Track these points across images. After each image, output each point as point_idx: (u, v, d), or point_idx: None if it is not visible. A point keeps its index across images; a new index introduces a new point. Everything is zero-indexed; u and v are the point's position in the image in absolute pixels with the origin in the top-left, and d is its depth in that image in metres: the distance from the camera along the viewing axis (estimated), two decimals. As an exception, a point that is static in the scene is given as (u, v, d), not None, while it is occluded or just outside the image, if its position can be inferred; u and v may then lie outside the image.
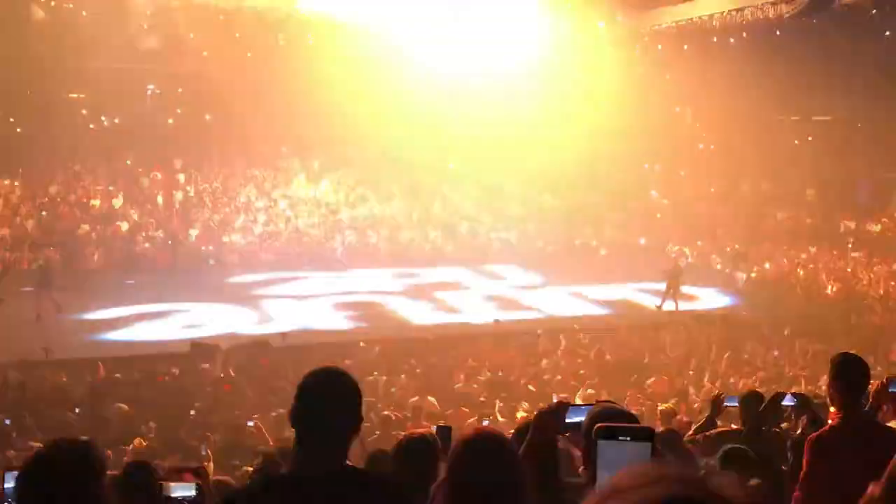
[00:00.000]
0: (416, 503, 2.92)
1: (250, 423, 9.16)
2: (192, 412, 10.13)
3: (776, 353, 15.31)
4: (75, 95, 30.47)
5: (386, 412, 9.57)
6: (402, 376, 12.47)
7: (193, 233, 26.51)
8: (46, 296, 18.57)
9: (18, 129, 28.61)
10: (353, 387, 2.60)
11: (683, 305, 20.93)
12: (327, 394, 2.56)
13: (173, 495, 3.51)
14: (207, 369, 13.40)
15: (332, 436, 2.54)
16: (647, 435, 1.75)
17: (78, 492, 2.52)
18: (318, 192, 30.55)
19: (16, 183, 27.18)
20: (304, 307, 20.38)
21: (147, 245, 25.61)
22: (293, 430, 2.60)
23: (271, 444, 8.23)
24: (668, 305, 20.66)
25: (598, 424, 1.78)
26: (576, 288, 23.11)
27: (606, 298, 21.85)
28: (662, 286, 21.32)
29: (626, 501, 0.98)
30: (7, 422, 9.33)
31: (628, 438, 1.72)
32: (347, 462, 2.61)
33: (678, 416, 8.12)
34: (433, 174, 31.13)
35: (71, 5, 28.38)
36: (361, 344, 15.82)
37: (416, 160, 31.49)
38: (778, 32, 28.34)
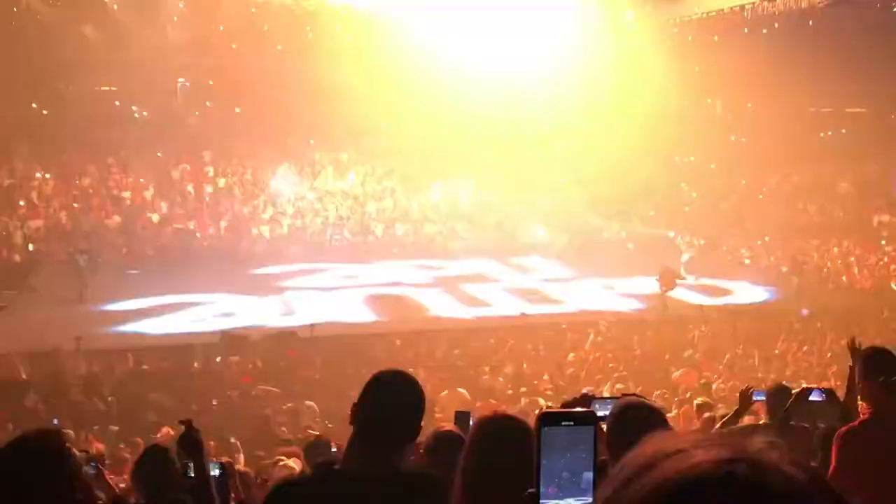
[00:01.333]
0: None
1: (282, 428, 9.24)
2: (214, 402, 10.22)
3: (806, 347, 15.12)
4: (107, 88, 30.78)
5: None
6: (420, 370, 12.49)
7: (223, 224, 26.74)
8: (82, 283, 18.95)
9: (51, 122, 28.96)
10: (419, 395, 2.56)
11: (713, 300, 20.80)
12: (394, 398, 2.51)
13: (193, 474, 3.49)
14: (236, 360, 13.52)
15: (392, 439, 2.49)
16: (590, 419, 1.71)
17: (45, 491, 2.18)
18: (347, 185, 30.67)
19: (47, 175, 27.55)
20: (331, 299, 20.48)
21: (177, 237, 25.89)
22: (351, 426, 2.54)
23: (296, 435, 8.28)
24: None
25: (541, 411, 1.74)
26: (603, 281, 23.00)
27: (634, 292, 21.71)
28: (683, 282, 21.21)
29: (681, 464, 0.79)
30: (55, 421, 9.44)
31: (571, 423, 1.69)
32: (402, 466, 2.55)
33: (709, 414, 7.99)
34: (462, 166, 31.06)
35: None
36: (372, 332, 15.88)
37: (444, 152, 31.49)
38: (810, 22, 27.96)
